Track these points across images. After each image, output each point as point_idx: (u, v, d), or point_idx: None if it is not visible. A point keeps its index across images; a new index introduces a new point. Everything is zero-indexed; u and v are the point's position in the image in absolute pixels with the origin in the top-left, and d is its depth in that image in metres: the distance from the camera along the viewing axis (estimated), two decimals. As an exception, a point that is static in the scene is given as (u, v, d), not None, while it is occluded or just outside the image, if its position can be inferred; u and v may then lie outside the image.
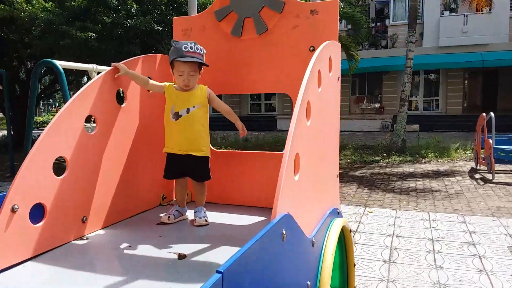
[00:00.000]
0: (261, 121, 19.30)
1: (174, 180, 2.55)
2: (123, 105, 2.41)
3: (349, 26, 13.66)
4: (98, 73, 4.61)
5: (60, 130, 1.98)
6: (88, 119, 2.19)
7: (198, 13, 2.82)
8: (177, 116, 2.35)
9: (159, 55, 2.68)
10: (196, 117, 2.35)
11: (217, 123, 19.51)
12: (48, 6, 8.71)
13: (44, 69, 9.31)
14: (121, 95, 2.51)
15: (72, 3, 8.47)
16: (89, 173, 2.18)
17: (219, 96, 2.51)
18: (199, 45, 2.33)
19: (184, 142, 2.35)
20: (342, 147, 11.86)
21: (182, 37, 2.78)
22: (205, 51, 2.38)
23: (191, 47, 2.27)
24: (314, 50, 2.45)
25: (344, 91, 20.39)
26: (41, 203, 1.90)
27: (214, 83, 2.71)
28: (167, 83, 2.42)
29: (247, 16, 2.60)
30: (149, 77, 2.48)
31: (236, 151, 2.84)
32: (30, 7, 8.66)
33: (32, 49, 9.59)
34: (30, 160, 1.83)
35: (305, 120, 1.74)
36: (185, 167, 2.41)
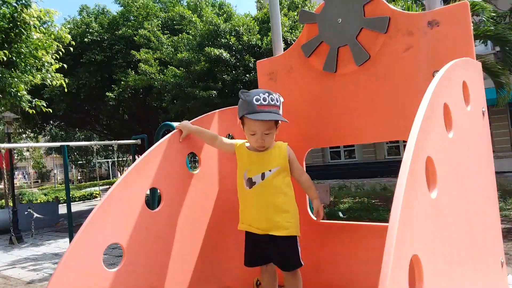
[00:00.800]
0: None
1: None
2: (196, 171, 2.02)
3: (498, 48, 11.61)
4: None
5: (113, 210, 1.64)
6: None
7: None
8: (250, 183, 1.86)
9: (239, 108, 2.26)
10: (274, 184, 1.83)
11: (352, 170, 18.38)
12: (178, 72, 9.45)
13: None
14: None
15: (196, 67, 9.01)
16: (152, 260, 1.78)
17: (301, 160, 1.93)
18: (274, 94, 1.85)
19: (261, 217, 1.83)
20: (508, 193, 9.64)
21: (267, 83, 2.33)
22: (282, 100, 1.89)
23: (264, 99, 1.79)
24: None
25: (502, 124, 17.31)
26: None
27: (304, 135, 2.16)
28: (238, 142, 1.97)
29: (341, 44, 2.02)
30: (229, 135, 2.06)
31: (351, 222, 2.14)
32: (163, 76, 9.52)
33: (169, 114, 10.44)
34: (73, 251, 1.50)
35: (425, 191, 1.04)
36: (267, 251, 1.85)
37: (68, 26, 12.64)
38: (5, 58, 5.08)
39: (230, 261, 2.12)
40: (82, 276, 1.51)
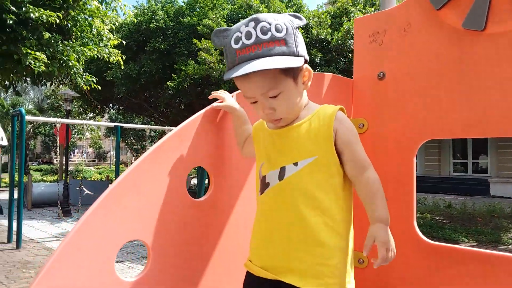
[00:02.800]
0: (467, 184, 15.99)
1: None
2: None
3: None
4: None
5: (134, 194, 1.09)
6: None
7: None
8: (263, 185, 1.11)
9: (329, 75, 1.63)
10: (303, 189, 1.05)
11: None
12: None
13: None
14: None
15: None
16: (188, 266, 1.21)
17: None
18: (269, 20, 1.01)
19: (274, 249, 1.07)
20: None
21: (367, 48, 1.68)
22: (296, 24, 1.04)
23: (248, 35, 1.00)
24: None
25: None
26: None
27: (420, 121, 1.50)
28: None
29: (500, -12, 1.34)
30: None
31: (477, 250, 1.42)
32: (222, 66, 9.15)
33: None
34: (66, 251, 0.96)
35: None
36: None
37: (136, 11, 12.75)
38: (57, 21, 4.84)
39: None
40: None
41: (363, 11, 9.09)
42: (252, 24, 1.01)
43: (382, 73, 1.61)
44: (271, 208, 1.07)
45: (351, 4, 9.25)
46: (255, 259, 1.09)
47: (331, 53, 8.71)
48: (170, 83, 11.06)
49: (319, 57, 8.52)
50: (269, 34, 0.99)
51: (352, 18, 8.99)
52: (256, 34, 1.00)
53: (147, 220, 1.10)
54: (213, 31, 1.10)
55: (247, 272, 1.11)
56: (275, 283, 1.04)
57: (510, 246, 6.95)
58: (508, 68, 1.33)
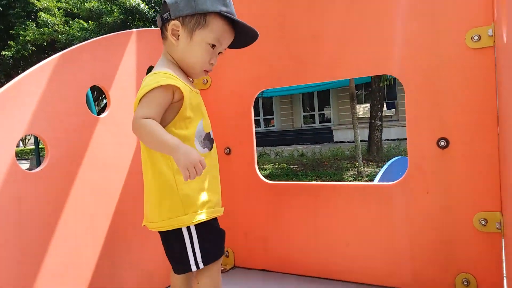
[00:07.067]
0: (315, 133, 18.03)
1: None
2: (103, 115, 1.43)
3: None
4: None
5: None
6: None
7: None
8: (210, 141, 1.20)
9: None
10: None
11: (271, 138, 18.50)
12: (86, 25, 8.28)
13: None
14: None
15: (108, 19, 7.96)
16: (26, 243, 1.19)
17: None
18: None
19: (219, 191, 1.27)
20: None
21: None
22: None
23: None
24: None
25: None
26: None
27: (256, 72, 1.70)
28: (167, 75, 1.09)
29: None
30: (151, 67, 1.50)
31: (305, 183, 1.74)
32: (68, 28, 8.32)
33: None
34: None
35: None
36: None
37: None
38: None
39: (152, 242, 1.60)
40: None
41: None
42: None
43: (219, 31, 1.73)
44: (215, 159, 1.25)
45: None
46: (219, 204, 1.23)
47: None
48: (6, 53, 9.57)
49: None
50: None
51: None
52: None
53: (44, 116, 1.18)
54: None
55: (213, 220, 1.19)
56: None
57: (350, 183, 8.18)
58: (322, 21, 1.56)
